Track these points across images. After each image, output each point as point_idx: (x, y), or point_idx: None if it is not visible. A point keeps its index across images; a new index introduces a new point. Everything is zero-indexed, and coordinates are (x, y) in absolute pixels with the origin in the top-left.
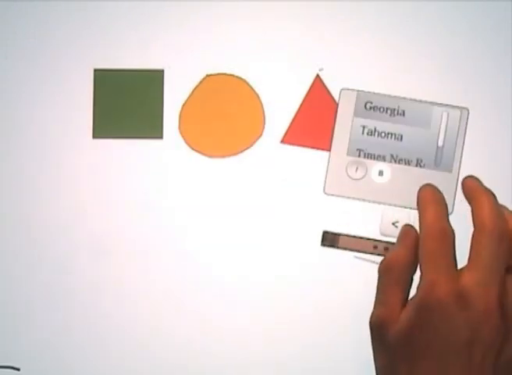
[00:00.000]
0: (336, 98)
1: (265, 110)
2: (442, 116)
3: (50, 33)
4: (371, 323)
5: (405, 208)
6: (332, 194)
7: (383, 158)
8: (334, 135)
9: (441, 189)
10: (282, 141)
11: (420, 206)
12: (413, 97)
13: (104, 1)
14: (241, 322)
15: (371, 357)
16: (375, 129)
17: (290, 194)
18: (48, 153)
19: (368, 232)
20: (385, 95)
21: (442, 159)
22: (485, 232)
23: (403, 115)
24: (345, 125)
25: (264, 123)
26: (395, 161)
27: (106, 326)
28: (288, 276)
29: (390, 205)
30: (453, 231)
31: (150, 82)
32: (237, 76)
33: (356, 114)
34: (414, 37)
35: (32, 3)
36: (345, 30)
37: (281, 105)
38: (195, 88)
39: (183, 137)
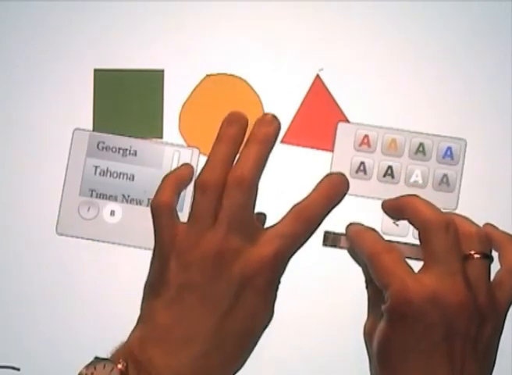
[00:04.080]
0: (337, 97)
1: (265, 110)
2: (173, 155)
3: (50, 33)
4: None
5: (137, 248)
6: (65, 235)
7: (115, 198)
8: (67, 175)
9: None
10: (282, 141)
11: (355, 238)
12: (414, 97)
13: (105, 2)
14: None
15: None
16: (108, 169)
17: (290, 194)
18: (49, 153)
19: None
20: (117, 136)
21: None
22: (431, 226)
23: (135, 155)
24: (78, 165)
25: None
26: (126, 201)
27: (108, 326)
28: (289, 276)
29: (123, 244)
30: (395, 245)
31: (150, 82)
32: (237, 76)
33: (88, 154)
34: (414, 37)
35: (32, 3)
36: (345, 31)
37: (281, 105)
38: (195, 88)
39: (183, 137)
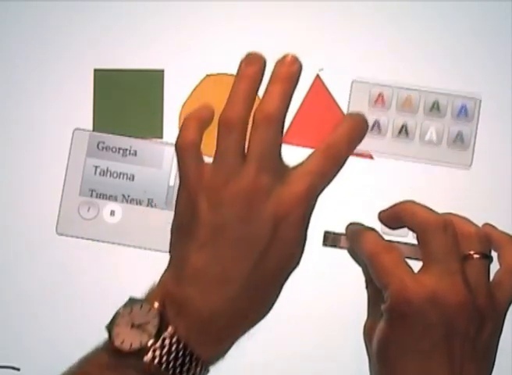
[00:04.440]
0: (337, 97)
1: None
2: (173, 155)
3: (50, 33)
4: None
5: (137, 248)
6: (65, 235)
7: (115, 199)
8: (67, 175)
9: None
10: (283, 141)
11: (355, 238)
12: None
13: (105, 2)
14: None
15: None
16: (108, 169)
17: None
18: (49, 153)
19: None
20: (117, 136)
21: (173, 199)
22: (428, 227)
23: (135, 155)
24: (78, 165)
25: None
26: (126, 201)
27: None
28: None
29: (122, 244)
30: (395, 245)
31: (150, 82)
32: None
33: (88, 154)
34: (415, 36)
35: (32, 3)
36: (345, 30)
37: None
38: (195, 88)
39: None
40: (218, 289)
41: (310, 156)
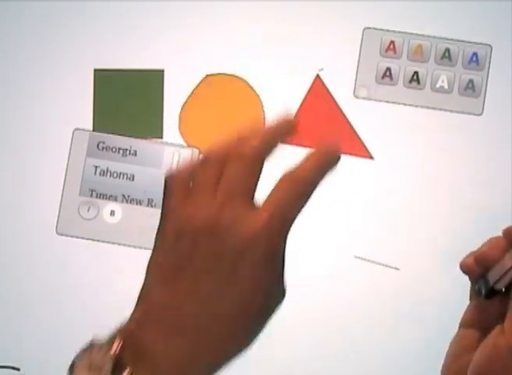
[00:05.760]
0: (336, 97)
1: (265, 110)
2: (173, 155)
3: (50, 33)
4: None
5: (137, 248)
6: (65, 235)
7: (115, 199)
8: (67, 175)
9: None
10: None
11: None
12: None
13: (105, 2)
14: None
15: (369, 356)
16: (108, 169)
17: None
18: (49, 153)
19: None
20: (117, 136)
21: None
22: None
23: (135, 155)
24: (78, 165)
25: (265, 123)
26: (126, 201)
27: (108, 326)
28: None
29: (123, 244)
30: None
31: (150, 82)
32: (237, 77)
33: (89, 154)
34: (414, 33)
35: (32, 3)
36: (344, 30)
37: (281, 105)
38: (195, 88)
39: (183, 137)
40: (174, 332)
41: (276, 188)
